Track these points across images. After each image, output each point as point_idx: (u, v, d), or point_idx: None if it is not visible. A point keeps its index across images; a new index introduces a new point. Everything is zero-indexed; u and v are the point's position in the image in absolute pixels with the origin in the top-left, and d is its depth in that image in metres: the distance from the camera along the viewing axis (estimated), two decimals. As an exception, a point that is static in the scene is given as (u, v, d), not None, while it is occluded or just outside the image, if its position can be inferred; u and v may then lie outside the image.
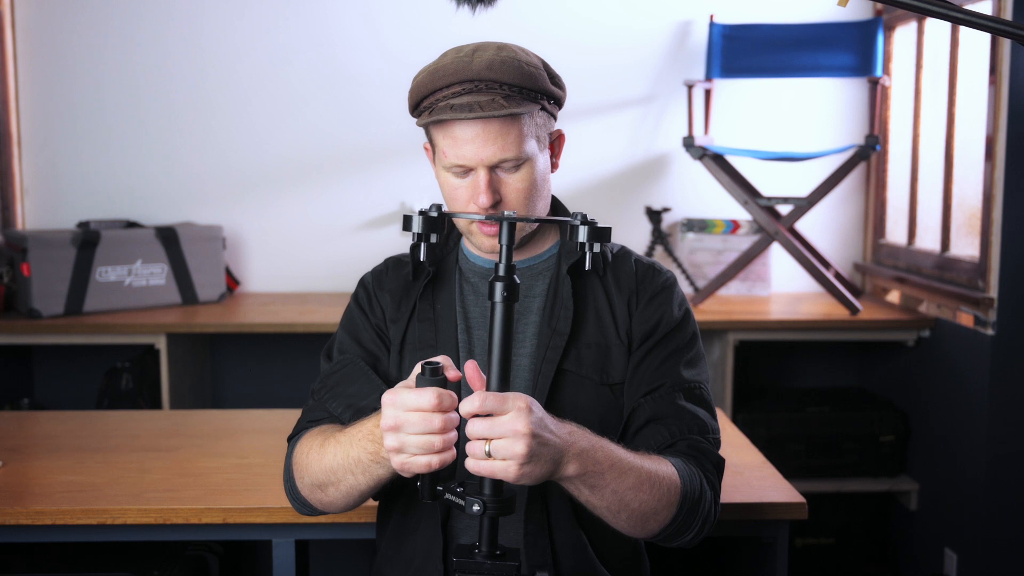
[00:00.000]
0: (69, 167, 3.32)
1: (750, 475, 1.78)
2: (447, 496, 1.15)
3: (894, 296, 3.27)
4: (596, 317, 1.45)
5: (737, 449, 1.93)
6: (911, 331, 2.94)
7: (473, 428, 1.12)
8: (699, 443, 1.37)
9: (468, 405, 1.12)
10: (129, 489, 1.72)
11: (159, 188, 3.34)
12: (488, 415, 1.12)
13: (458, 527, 1.42)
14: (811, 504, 1.72)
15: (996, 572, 2.53)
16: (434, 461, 1.14)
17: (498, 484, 1.13)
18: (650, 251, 3.35)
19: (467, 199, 1.37)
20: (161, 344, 2.85)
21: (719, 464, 1.39)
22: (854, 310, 2.99)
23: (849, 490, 2.99)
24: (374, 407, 1.34)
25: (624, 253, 1.52)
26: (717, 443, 1.41)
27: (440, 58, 1.38)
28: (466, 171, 1.37)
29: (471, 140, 1.34)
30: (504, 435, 1.11)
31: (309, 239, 3.37)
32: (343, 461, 1.30)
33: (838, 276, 3.26)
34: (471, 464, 1.12)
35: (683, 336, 1.45)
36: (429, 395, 1.13)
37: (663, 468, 1.28)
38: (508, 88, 1.33)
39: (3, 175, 3.24)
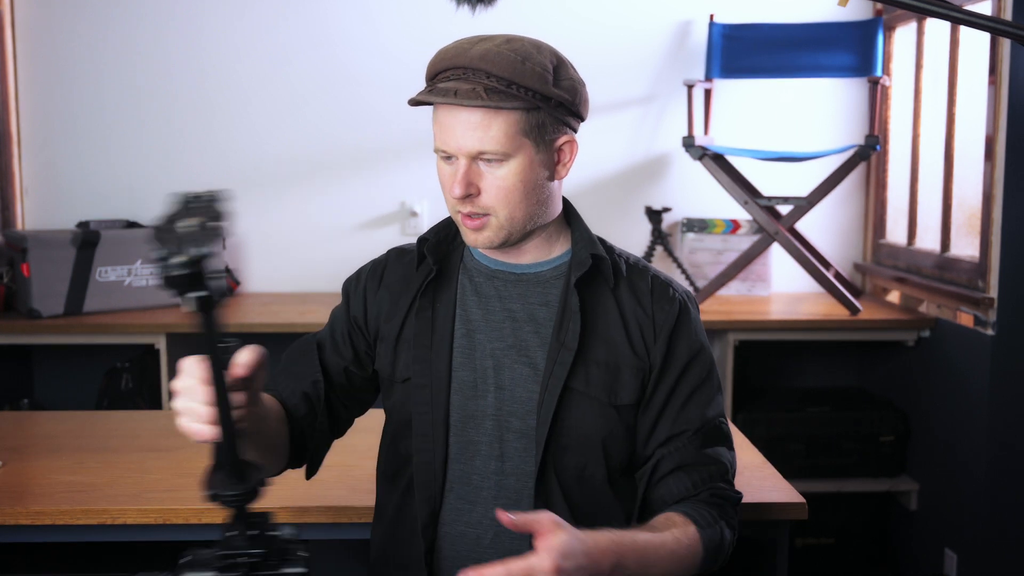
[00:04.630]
0: (69, 167, 3.32)
1: (750, 475, 1.78)
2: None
3: (894, 296, 3.26)
4: (606, 334, 1.40)
5: (737, 449, 1.90)
6: (911, 331, 2.94)
7: None
8: (721, 490, 1.38)
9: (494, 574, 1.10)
10: (129, 489, 1.72)
11: (159, 188, 3.32)
12: None
13: (446, 533, 1.39)
14: (811, 504, 1.71)
15: (996, 572, 2.52)
16: (205, 431, 1.08)
17: (244, 474, 1.03)
18: (650, 251, 3.34)
19: (450, 186, 1.35)
20: (161, 344, 2.85)
21: (738, 503, 1.40)
22: (854, 310, 2.98)
23: (849, 490, 2.99)
24: (303, 389, 1.41)
25: (642, 267, 1.46)
26: (734, 474, 1.42)
27: (453, 42, 1.36)
28: (449, 157, 1.34)
29: (452, 127, 1.31)
30: None
31: (309, 239, 3.37)
32: None
33: (838, 276, 3.26)
34: None
35: (703, 366, 1.42)
36: (202, 367, 1.07)
37: (685, 540, 1.28)
38: (496, 80, 1.29)
39: (3, 175, 3.24)
